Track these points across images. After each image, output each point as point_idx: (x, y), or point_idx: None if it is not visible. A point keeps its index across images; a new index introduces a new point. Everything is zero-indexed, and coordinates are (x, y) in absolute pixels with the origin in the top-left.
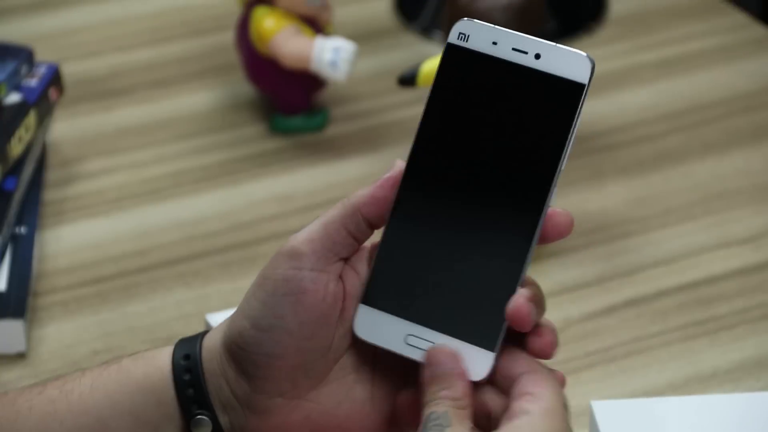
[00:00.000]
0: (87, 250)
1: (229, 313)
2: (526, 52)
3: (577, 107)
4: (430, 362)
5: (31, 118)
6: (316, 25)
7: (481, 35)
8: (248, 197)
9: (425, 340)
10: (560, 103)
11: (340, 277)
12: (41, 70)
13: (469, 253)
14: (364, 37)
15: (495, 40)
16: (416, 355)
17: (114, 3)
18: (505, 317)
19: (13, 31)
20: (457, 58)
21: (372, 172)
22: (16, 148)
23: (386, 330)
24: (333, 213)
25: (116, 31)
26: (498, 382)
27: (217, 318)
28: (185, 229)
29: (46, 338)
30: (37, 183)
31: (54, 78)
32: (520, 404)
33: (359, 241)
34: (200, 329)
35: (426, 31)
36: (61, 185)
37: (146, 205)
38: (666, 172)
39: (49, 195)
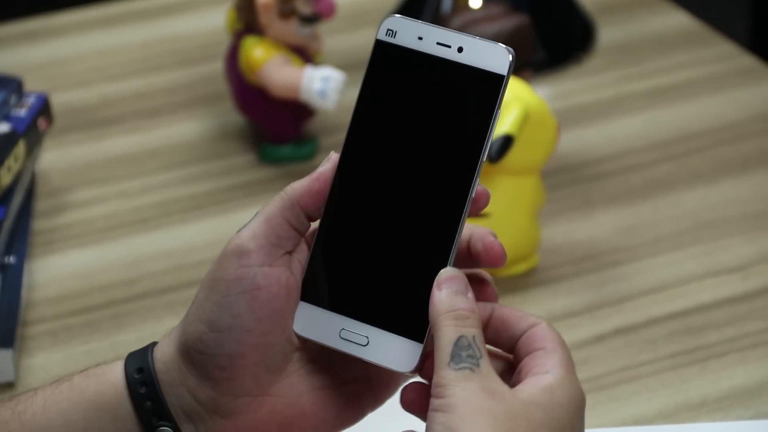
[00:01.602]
0: (76, 280)
1: None
2: (449, 46)
3: (498, 98)
4: (443, 282)
5: (21, 148)
6: (305, 54)
7: (408, 31)
8: (237, 226)
9: (358, 333)
10: (482, 94)
11: (290, 269)
12: (30, 100)
13: (398, 246)
14: (353, 67)
15: (420, 36)
16: (351, 350)
17: (103, 33)
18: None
19: (3, 61)
20: (385, 54)
21: None
22: (5, 177)
23: (322, 325)
24: (273, 207)
25: (105, 60)
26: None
27: None
28: (174, 258)
29: (34, 368)
30: (26, 212)
31: (43, 108)
32: (540, 361)
33: (301, 234)
34: None
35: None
36: (50, 215)
37: (135, 234)
38: (655, 201)
39: (38, 224)
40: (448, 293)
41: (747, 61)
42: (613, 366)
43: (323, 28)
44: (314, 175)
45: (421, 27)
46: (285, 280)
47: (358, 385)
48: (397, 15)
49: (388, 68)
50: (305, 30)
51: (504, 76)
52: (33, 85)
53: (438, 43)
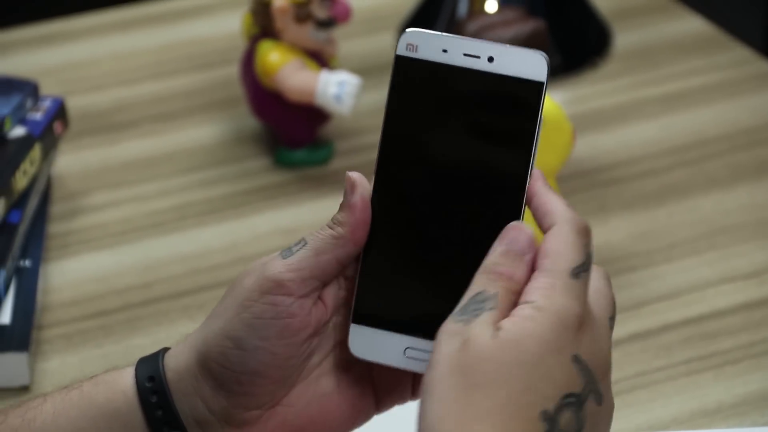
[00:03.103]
0: (91, 283)
1: None
2: (478, 57)
3: (540, 105)
4: (505, 236)
5: (36, 152)
6: (320, 58)
7: (431, 44)
8: (253, 230)
9: (426, 350)
10: (522, 103)
11: (320, 293)
12: (46, 104)
13: (451, 261)
14: (368, 71)
15: (445, 48)
16: (418, 368)
17: (119, 37)
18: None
19: (19, 64)
20: (408, 70)
21: None
22: (20, 181)
23: (383, 346)
24: (324, 243)
25: (121, 65)
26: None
27: None
28: (190, 262)
29: (50, 371)
30: (41, 216)
31: (59, 111)
32: (531, 286)
33: (344, 266)
34: None
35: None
36: (66, 218)
37: (150, 238)
38: (670, 206)
39: (54, 228)
40: (502, 251)
41: (763, 66)
42: (628, 372)
43: (339, 32)
44: (356, 206)
45: (444, 39)
46: (316, 307)
47: (363, 386)
48: (415, 29)
49: (414, 85)
50: (321, 34)
51: (543, 82)
52: (49, 89)
53: (465, 54)
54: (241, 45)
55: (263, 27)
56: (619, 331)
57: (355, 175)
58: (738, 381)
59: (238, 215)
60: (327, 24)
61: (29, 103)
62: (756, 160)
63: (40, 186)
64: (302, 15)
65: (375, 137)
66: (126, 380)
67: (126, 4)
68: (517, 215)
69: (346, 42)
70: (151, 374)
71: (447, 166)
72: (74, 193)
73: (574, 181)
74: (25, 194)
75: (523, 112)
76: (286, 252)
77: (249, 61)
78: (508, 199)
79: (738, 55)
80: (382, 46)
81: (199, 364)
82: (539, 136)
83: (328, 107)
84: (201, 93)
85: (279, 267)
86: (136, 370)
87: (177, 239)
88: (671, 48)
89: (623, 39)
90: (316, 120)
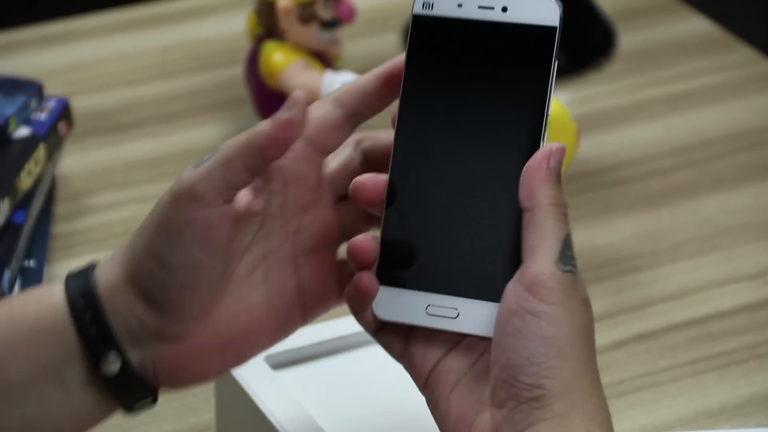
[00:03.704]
0: None
1: None
2: (492, 8)
3: (554, 49)
4: (551, 156)
5: (41, 152)
6: (325, 59)
7: (445, 0)
8: None
9: (447, 307)
10: (536, 49)
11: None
12: (51, 104)
13: (472, 215)
14: None
15: (460, 3)
16: (440, 324)
17: (124, 37)
18: None
19: (23, 65)
20: (425, 28)
21: None
22: (25, 181)
23: (405, 305)
24: (233, 150)
25: (126, 65)
26: None
27: None
28: None
29: None
30: (46, 216)
31: (63, 112)
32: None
33: (258, 175)
34: None
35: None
36: (70, 219)
37: None
38: (675, 207)
39: (58, 228)
40: (553, 183)
41: (767, 66)
42: (633, 372)
43: (343, 32)
44: (281, 122)
45: None
46: (235, 213)
47: (290, 296)
48: None
49: (432, 41)
50: (325, 35)
51: (556, 27)
52: (53, 89)
53: (480, 7)
54: (245, 45)
55: (267, 27)
56: (623, 331)
57: (300, 95)
58: (742, 382)
59: None
60: (331, 24)
61: (34, 103)
62: (760, 161)
63: (44, 186)
64: (306, 15)
65: None
66: (56, 296)
67: (130, 5)
68: None
69: (351, 42)
70: (83, 290)
71: (466, 120)
72: (79, 194)
73: (578, 182)
74: (30, 194)
75: (538, 58)
76: (198, 161)
77: (253, 61)
78: (525, 147)
79: (742, 56)
80: (386, 46)
81: (129, 282)
82: (554, 82)
83: None
84: (206, 93)
85: (189, 178)
86: (67, 286)
87: None
88: (676, 48)
89: (628, 39)
90: None
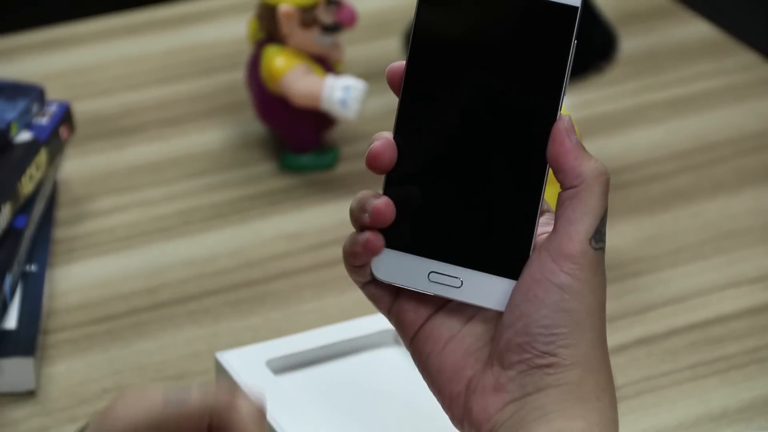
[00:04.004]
0: (97, 288)
1: (238, 351)
2: None
3: (574, 30)
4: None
5: (42, 156)
6: (326, 63)
7: None
8: (258, 235)
9: (450, 276)
10: (555, 28)
11: None
12: (52, 109)
13: (482, 186)
14: (374, 76)
15: None
16: (442, 292)
17: (125, 42)
18: None
19: (25, 69)
20: (433, 3)
21: None
22: (26, 186)
23: (408, 270)
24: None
25: (127, 69)
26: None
27: (227, 356)
28: (195, 267)
29: (55, 376)
30: (47, 221)
31: (65, 116)
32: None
33: None
34: (210, 367)
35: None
36: (72, 223)
37: (156, 243)
38: (676, 211)
39: (60, 233)
40: (588, 155)
41: None
42: (634, 376)
43: (344, 37)
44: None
45: None
46: None
47: None
48: None
49: (439, 13)
50: (326, 39)
51: (577, 7)
52: (55, 94)
53: None
54: (246, 50)
55: (269, 32)
56: (624, 335)
57: None
58: (743, 386)
59: (244, 220)
60: (333, 29)
61: (35, 107)
62: (762, 165)
63: (46, 191)
64: (308, 20)
65: None
66: None
67: (132, 9)
68: (548, 138)
69: (352, 47)
70: None
71: (476, 94)
72: (80, 198)
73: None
74: (31, 199)
75: (557, 38)
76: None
77: (255, 65)
78: (539, 126)
79: (744, 60)
80: (387, 50)
81: None
82: (572, 63)
83: (333, 112)
84: (207, 98)
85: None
86: None
87: (182, 244)
88: (677, 52)
89: (629, 43)
90: (322, 125)
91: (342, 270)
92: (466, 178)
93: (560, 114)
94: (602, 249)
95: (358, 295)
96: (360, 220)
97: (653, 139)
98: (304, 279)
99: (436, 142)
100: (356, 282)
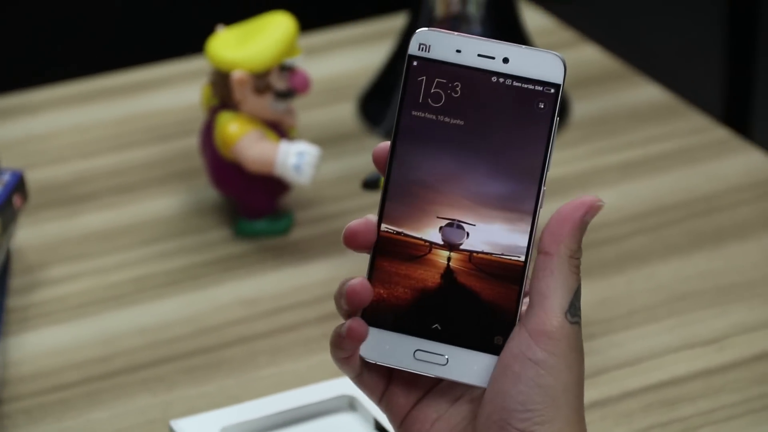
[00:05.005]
0: (50, 357)
1: (193, 418)
2: (493, 57)
3: (555, 107)
4: (586, 209)
5: None
6: (280, 129)
7: (444, 44)
8: (213, 301)
9: (436, 353)
10: (536, 105)
11: None
12: (5, 177)
13: (466, 265)
14: (328, 141)
15: (459, 48)
16: (427, 370)
17: (78, 109)
18: None
19: None
20: (420, 70)
21: (337, 276)
22: None
23: (393, 349)
24: None
25: (80, 137)
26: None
27: (181, 424)
28: (149, 335)
29: None
30: (1, 290)
31: (18, 185)
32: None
33: None
34: None
35: (390, 135)
36: (25, 292)
37: (110, 311)
38: (629, 273)
39: (13, 302)
40: (579, 236)
41: (720, 133)
42: None
43: (298, 102)
44: None
45: (458, 39)
46: None
47: None
48: (427, 28)
49: (427, 85)
50: (280, 105)
51: (560, 84)
52: (8, 162)
53: (480, 55)
54: (200, 116)
55: (222, 98)
56: None
57: None
58: None
59: (198, 287)
60: (286, 95)
61: None
62: (714, 227)
63: None
64: (261, 86)
65: (335, 207)
66: None
67: (85, 77)
68: (529, 223)
69: (306, 112)
70: None
71: (459, 167)
72: (33, 267)
73: (534, 249)
74: None
75: (539, 115)
76: None
77: (208, 132)
78: (520, 205)
79: (695, 123)
80: (341, 116)
81: None
82: (555, 139)
83: (287, 178)
84: (160, 164)
85: None
86: None
87: (136, 312)
88: (629, 116)
89: (581, 107)
90: (276, 190)
91: (298, 336)
92: (450, 256)
93: (543, 190)
94: (578, 323)
95: (313, 361)
96: (340, 305)
97: (606, 202)
98: (260, 345)
99: (413, 226)
100: (348, 375)
